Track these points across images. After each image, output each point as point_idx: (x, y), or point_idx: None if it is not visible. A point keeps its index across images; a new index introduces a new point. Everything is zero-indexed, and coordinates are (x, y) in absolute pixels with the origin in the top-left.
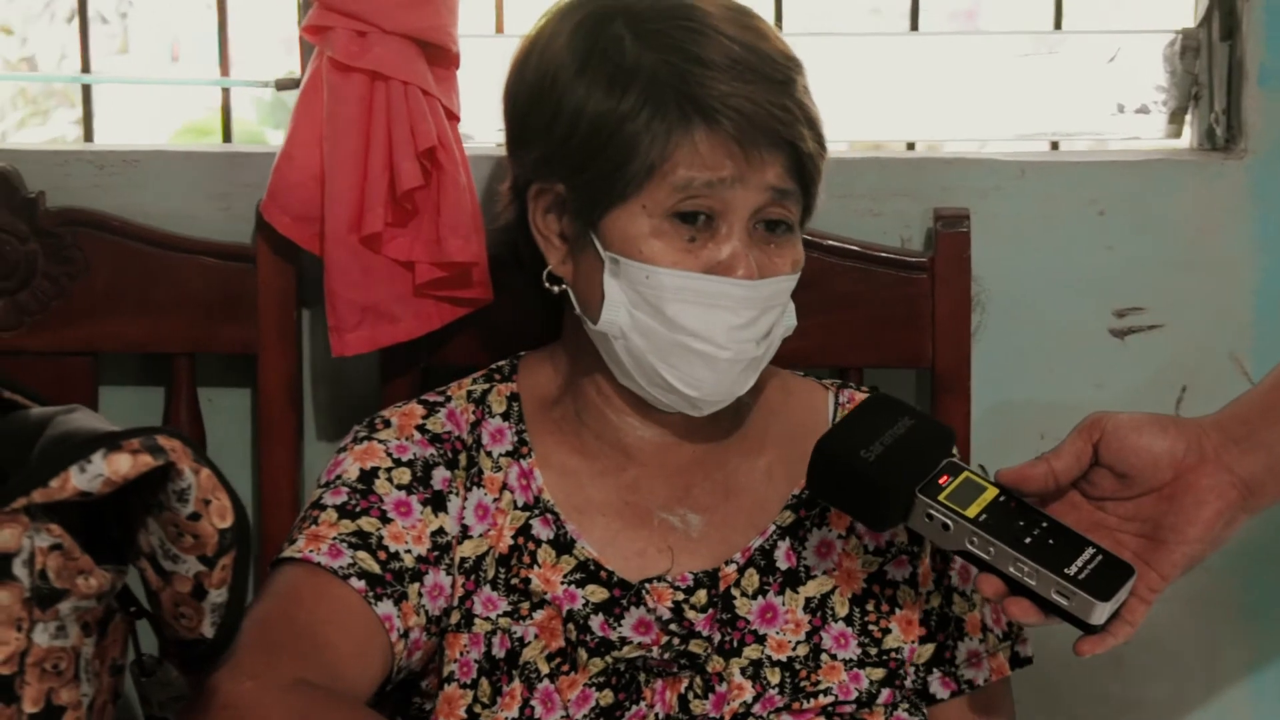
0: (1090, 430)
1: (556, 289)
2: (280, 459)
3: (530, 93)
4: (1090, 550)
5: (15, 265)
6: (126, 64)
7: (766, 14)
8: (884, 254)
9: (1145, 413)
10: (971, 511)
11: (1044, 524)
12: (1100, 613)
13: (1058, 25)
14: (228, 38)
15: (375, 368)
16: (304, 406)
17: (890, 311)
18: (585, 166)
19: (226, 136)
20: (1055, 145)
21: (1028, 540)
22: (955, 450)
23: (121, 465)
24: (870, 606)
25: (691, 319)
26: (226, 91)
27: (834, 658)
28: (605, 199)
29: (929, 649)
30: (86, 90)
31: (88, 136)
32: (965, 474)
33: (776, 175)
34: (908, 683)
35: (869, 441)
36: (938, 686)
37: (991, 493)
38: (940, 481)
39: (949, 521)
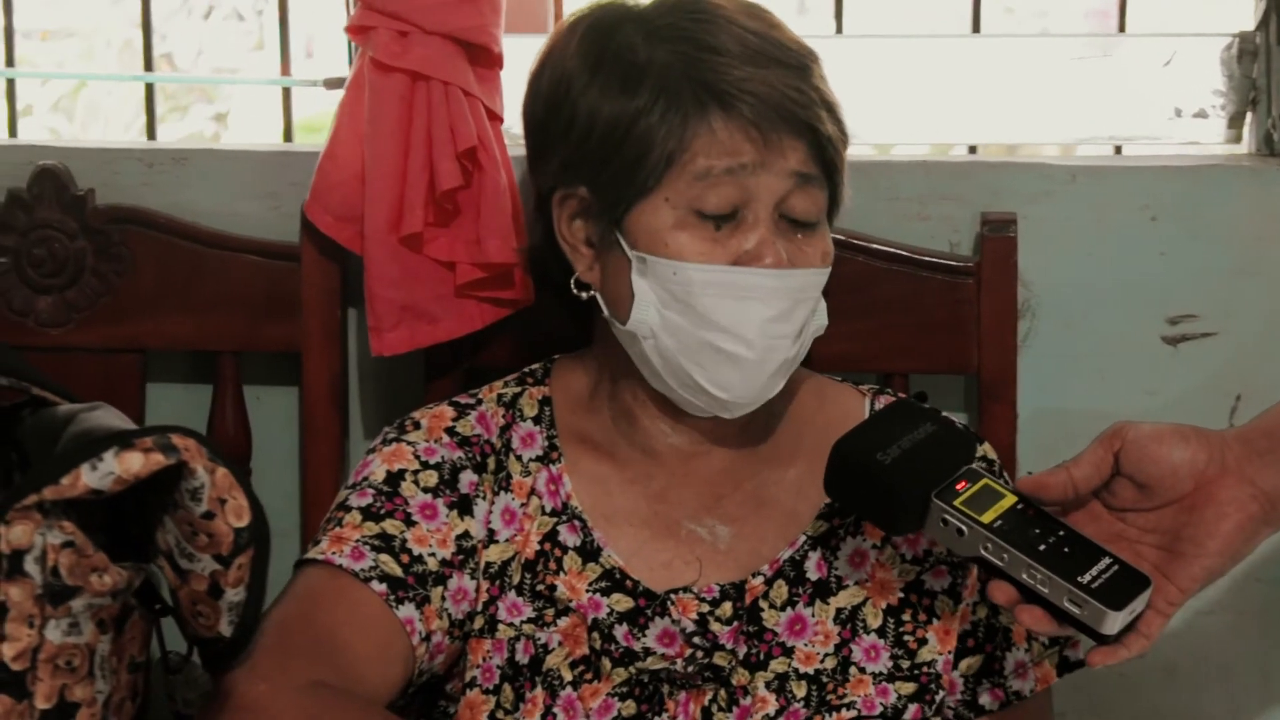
0: (1111, 440)
1: (584, 295)
2: (323, 457)
3: (545, 104)
4: (1106, 560)
5: (64, 262)
6: (261, 60)
7: (827, 15)
8: (929, 258)
9: (1168, 423)
10: (987, 518)
11: (1060, 532)
12: (1112, 622)
13: (1122, 28)
14: (288, 37)
15: (420, 367)
16: (349, 405)
17: (936, 317)
18: (605, 165)
19: (288, 136)
20: (1118, 150)
21: (1042, 548)
22: (991, 460)
23: (133, 464)
24: (906, 616)
25: (723, 313)
26: (287, 91)
27: (863, 671)
28: (627, 195)
29: (978, 660)
30: (149, 90)
31: (150, 135)
32: (984, 481)
33: (799, 160)
34: (940, 697)
35: (886, 444)
36: (986, 698)
37: (1010, 500)
38: (958, 487)
39: (963, 527)
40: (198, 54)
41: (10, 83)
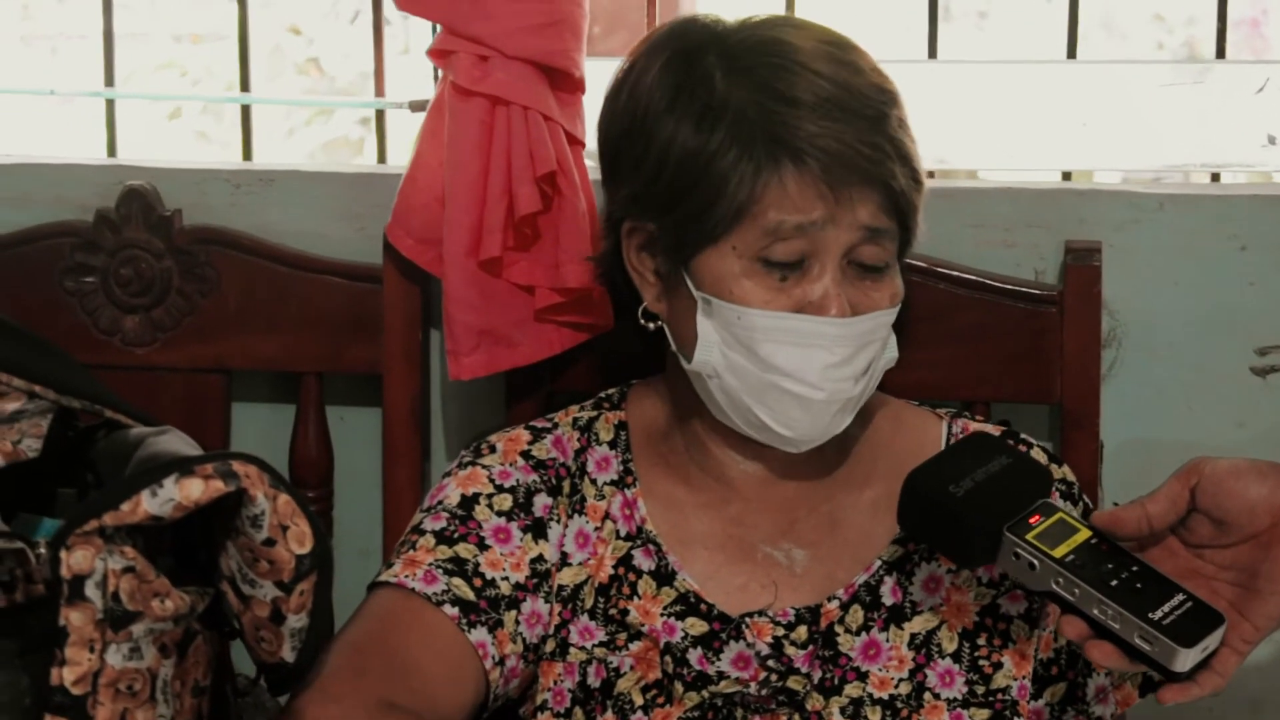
0: (1188, 475)
1: (652, 326)
2: (404, 479)
3: (621, 129)
4: (1179, 596)
5: (150, 282)
6: (408, 65)
7: (921, 43)
8: (1012, 286)
9: (1247, 459)
10: (1059, 552)
11: (1134, 568)
12: (1184, 660)
13: (1220, 53)
14: (383, 59)
15: (501, 390)
16: (430, 426)
17: (1018, 345)
18: (675, 206)
19: (381, 157)
20: (1216, 177)
21: (1114, 583)
22: (1071, 482)
23: (193, 490)
24: (981, 641)
25: (785, 359)
26: (381, 113)
27: (937, 696)
28: (695, 239)
29: (1061, 687)
30: (247, 110)
31: (246, 155)
32: (1059, 515)
33: (869, 214)
34: None
35: (960, 477)
36: None
37: (1084, 535)
38: (1031, 521)
39: (1035, 561)
40: (344, 58)
41: (110, 104)
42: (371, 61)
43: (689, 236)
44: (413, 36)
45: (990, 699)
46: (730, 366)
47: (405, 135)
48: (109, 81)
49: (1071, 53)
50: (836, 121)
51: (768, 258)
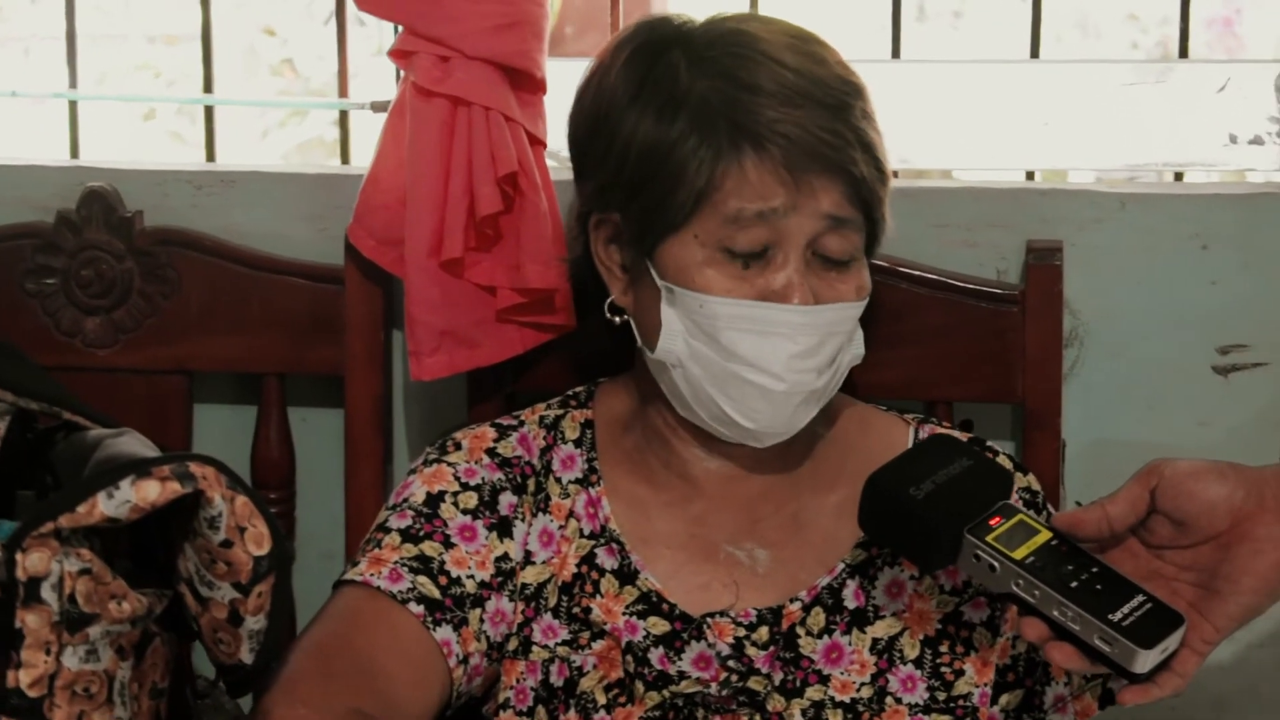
0: (1148, 477)
1: (618, 319)
2: (367, 479)
3: (588, 125)
4: (1139, 598)
5: (112, 284)
6: (382, 66)
7: (949, 30)
8: (974, 286)
9: (1207, 460)
10: (1019, 554)
11: (1094, 569)
12: (1143, 661)
13: (1184, 53)
14: (346, 60)
15: (463, 390)
16: (393, 427)
17: (980, 345)
18: (637, 195)
19: (345, 158)
20: (1179, 176)
21: (1074, 585)
22: (1035, 491)
23: (150, 492)
24: (944, 648)
25: (747, 348)
26: (345, 113)
27: (899, 701)
28: (658, 228)
29: (1018, 695)
30: (211, 111)
31: (210, 157)
32: (1019, 517)
33: (832, 202)
34: None
35: (921, 479)
36: None
37: (1044, 536)
38: (991, 523)
39: (995, 563)
40: (318, 59)
41: (73, 105)
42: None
43: (652, 225)
44: (386, 38)
45: (952, 705)
46: (694, 355)
47: (372, 136)
48: (73, 83)
49: (1035, 52)
50: (798, 109)
51: (730, 247)
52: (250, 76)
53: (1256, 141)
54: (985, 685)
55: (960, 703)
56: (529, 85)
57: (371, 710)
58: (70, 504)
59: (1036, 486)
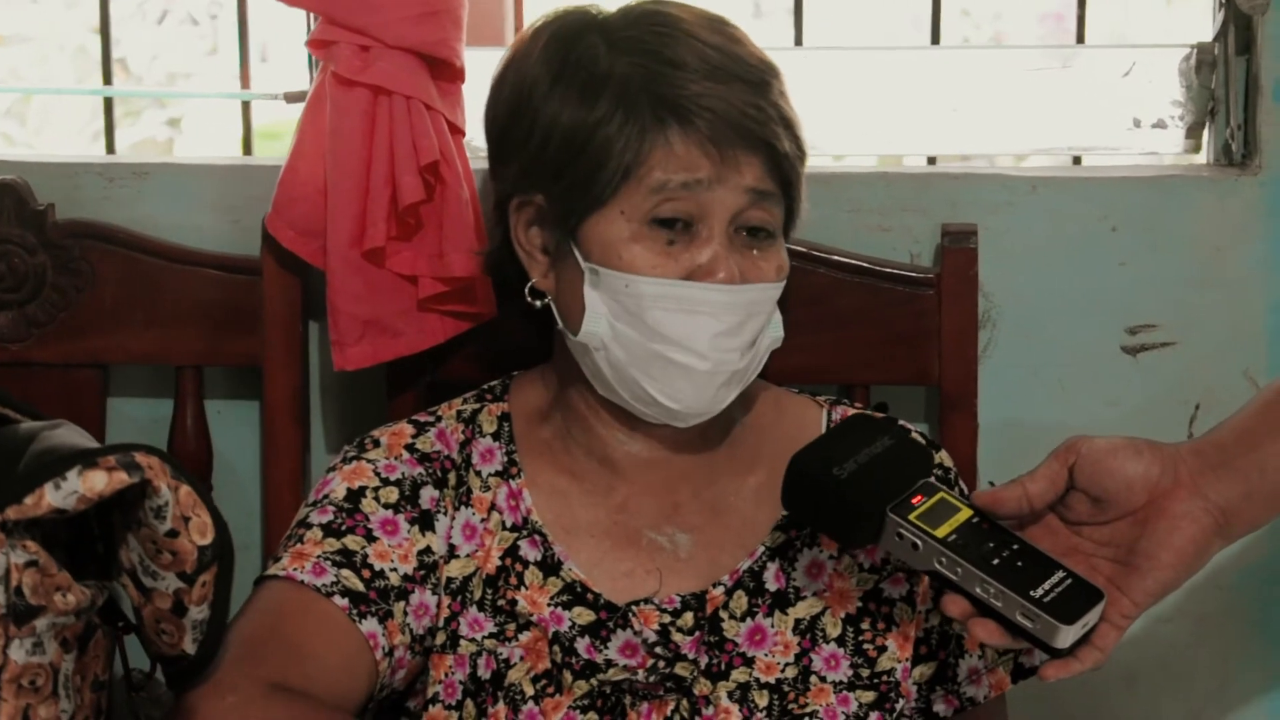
0: (1066, 454)
1: (539, 304)
2: (285, 472)
3: (507, 109)
4: (1059, 574)
5: (24, 277)
6: (215, 65)
7: (787, 27)
8: (890, 270)
9: (1124, 436)
10: (941, 532)
11: (1014, 546)
12: (1064, 636)
13: (1080, 39)
14: (248, 51)
15: (382, 382)
16: (310, 419)
17: (896, 328)
18: (562, 174)
19: (247, 148)
20: (1078, 160)
21: (995, 562)
22: (948, 468)
23: (97, 482)
24: (865, 625)
25: (672, 327)
26: (247, 104)
27: (823, 680)
28: (583, 205)
29: (931, 667)
30: (108, 100)
31: (109, 149)
32: (940, 495)
33: (755, 176)
34: (900, 705)
35: (843, 459)
36: (941, 704)
37: (965, 514)
38: (913, 501)
39: (918, 541)
40: (152, 59)
41: None
42: (180, 62)
43: (577, 203)
44: (221, 36)
45: (875, 681)
46: (617, 337)
47: (230, 130)
48: None
49: (936, 39)
50: (722, 84)
51: (656, 215)
52: (84, 77)
53: (1160, 125)
54: (907, 660)
55: (884, 678)
56: (448, 74)
57: (299, 687)
58: (18, 495)
59: (949, 463)
